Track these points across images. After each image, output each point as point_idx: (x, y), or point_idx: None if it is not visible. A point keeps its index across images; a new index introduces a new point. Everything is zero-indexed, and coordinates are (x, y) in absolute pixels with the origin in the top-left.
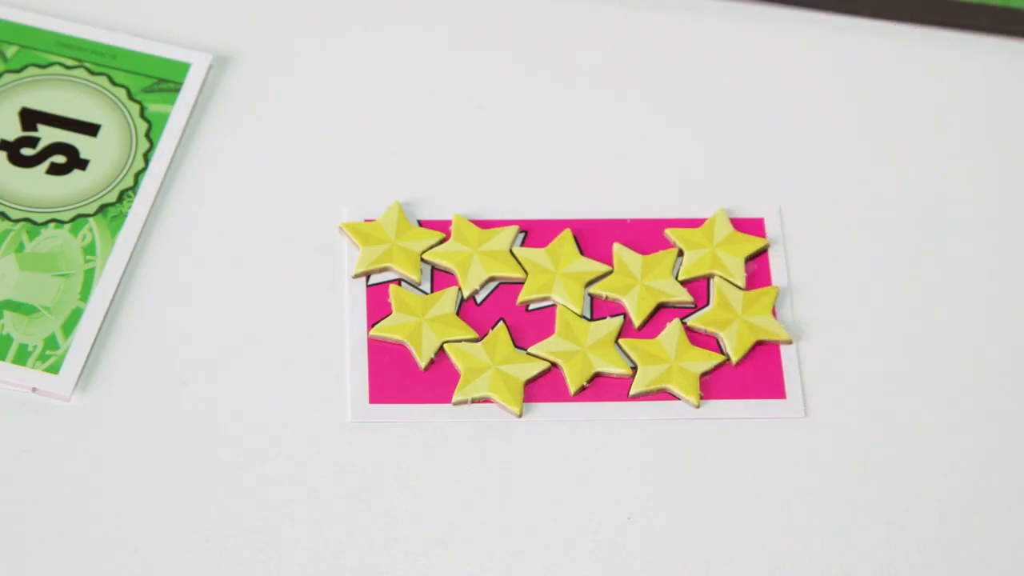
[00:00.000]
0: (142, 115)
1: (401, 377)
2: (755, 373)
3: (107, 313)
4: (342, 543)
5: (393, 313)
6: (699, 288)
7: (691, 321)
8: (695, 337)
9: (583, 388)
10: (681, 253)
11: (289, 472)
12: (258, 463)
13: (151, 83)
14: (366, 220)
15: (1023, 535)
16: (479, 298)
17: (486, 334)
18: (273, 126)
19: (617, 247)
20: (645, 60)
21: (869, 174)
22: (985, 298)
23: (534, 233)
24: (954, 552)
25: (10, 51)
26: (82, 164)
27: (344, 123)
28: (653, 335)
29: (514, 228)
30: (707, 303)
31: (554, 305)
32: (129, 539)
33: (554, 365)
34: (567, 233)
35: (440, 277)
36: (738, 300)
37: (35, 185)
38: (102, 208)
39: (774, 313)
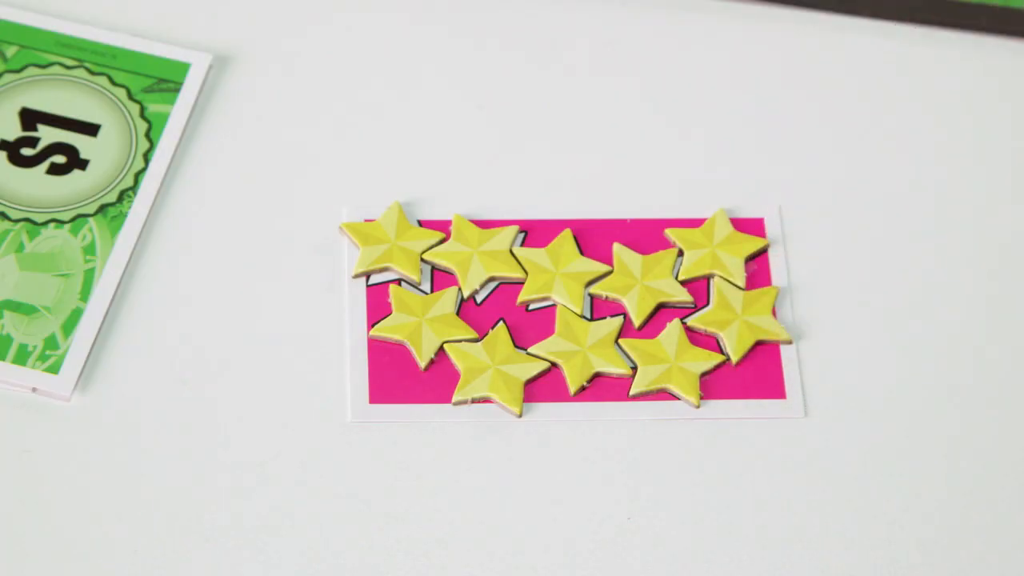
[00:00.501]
0: (142, 115)
1: (401, 377)
2: (755, 373)
3: (107, 313)
4: (342, 543)
5: (393, 313)
6: (699, 288)
7: (691, 321)
8: (695, 337)
9: (583, 388)
10: (681, 253)
11: (289, 472)
12: (258, 463)
13: (151, 83)
14: (366, 220)
15: (1023, 535)
16: (479, 298)
17: (486, 334)
18: (273, 126)
19: (617, 247)
20: (645, 60)
21: (869, 174)
22: (985, 298)
23: (534, 233)
24: (954, 552)
25: (10, 51)
26: (82, 164)
27: (344, 123)
28: (653, 335)
29: (514, 228)
30: (707, 303)
31: (554, 305)
32: (129, 539)
33: (554, 365)
34: (567, 233)
35: (440, 277)
36: (738, 300)
37: (35, 185)
38: (102, 208)
39: (774, 313)
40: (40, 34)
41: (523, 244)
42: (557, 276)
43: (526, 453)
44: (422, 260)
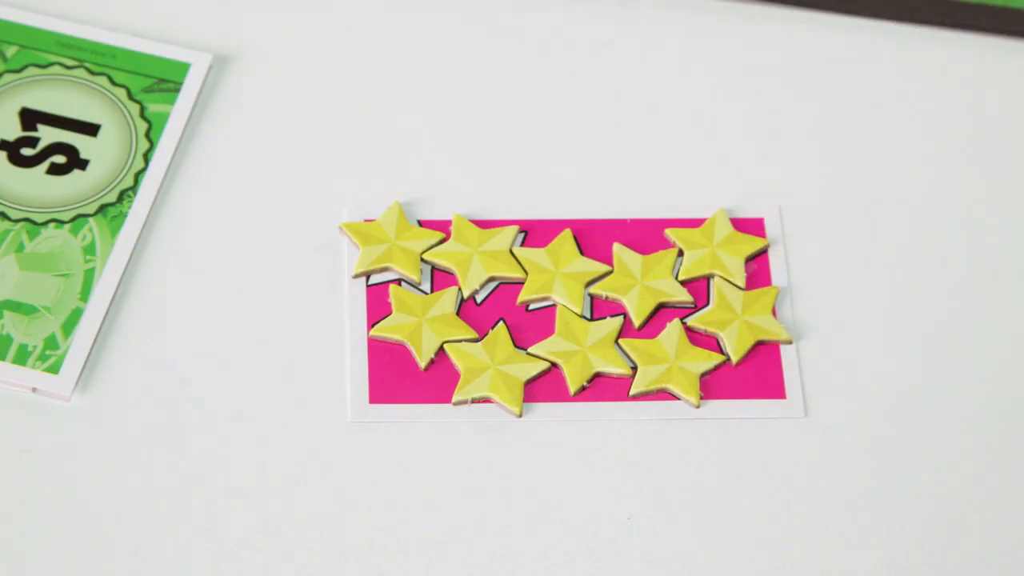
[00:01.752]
0: (142, 115)
1: (401, 377)
2: (755, 373)
3: (107, 313)
4: (342, 543)
5: (393, 313)
6: (699, 288)
7: (691, 321)
8: (695, 337)
9: (583, 388)
10: (681, 253)
11: (289, 472)
12: (258, 463)
13: (151, 83)
14: (366, 220)
15: (1023, 535)
16: (479, 298)
17: (486, 334)
18: (273, 126)
19: (617, 247)
20: (645, 60)
21: (869, 174)
22: (985, 298)
23: (534, 233)
24: (954, 552)
25: (10, 51)
26: (82, 164)
27: (344, 123)
28: (653, 335)
29: (514, 228)
30: (707, 303)
31: (554, 305)
32: (129, 539)
33: (554, 365)
34: (567, 233)
35: (440, 277)
36: (738, 300)
37: (35, 185)
38: (102, 208)
39: (774, 313)
40: (40, 34)
41: (523, 244)
42: (557, 276)
43: (526, 453)
44: (422, 260)
